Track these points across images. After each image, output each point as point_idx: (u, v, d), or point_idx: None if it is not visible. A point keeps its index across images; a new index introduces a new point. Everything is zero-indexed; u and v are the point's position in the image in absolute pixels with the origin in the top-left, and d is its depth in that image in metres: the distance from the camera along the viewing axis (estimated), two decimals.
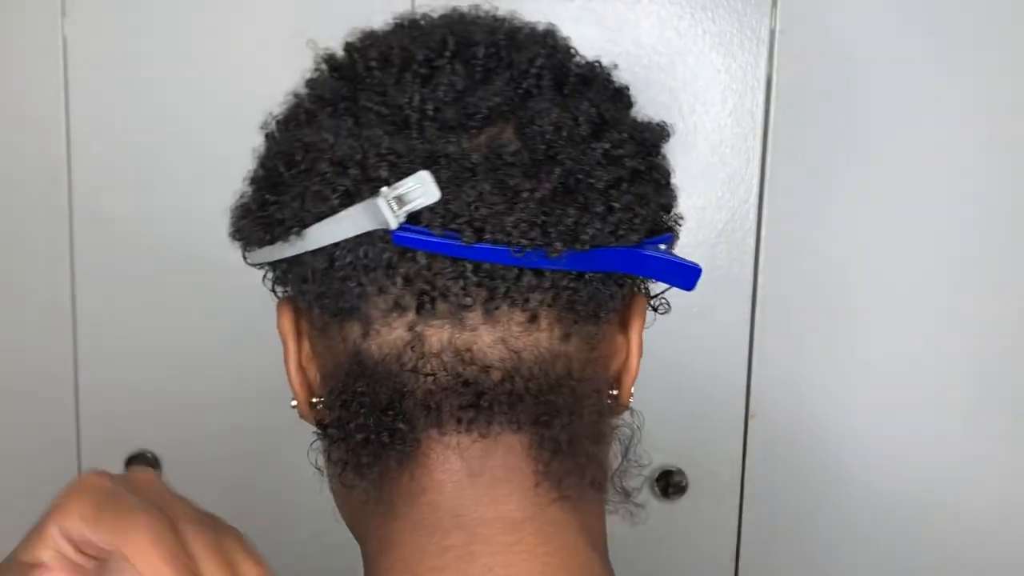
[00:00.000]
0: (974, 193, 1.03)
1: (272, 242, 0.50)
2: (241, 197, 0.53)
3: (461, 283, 0.47)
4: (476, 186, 0.46)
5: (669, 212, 0.53)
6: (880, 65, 1.02)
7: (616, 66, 0.56)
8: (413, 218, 0.46)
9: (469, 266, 0.47)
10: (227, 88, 1.09)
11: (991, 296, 1.04)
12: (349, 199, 0.47)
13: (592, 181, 0.48)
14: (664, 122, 0.56)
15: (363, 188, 0.47)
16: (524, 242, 0.46)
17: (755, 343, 1.08)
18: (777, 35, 1.02)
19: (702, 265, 0.51)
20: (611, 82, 0.55)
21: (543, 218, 0.47)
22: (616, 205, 0.48)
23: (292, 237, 0.49)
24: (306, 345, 0.53)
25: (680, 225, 0.55)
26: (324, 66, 0.54)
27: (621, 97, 0.55)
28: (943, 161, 1.03)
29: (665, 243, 0.52)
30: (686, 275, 0.51)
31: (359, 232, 0.47)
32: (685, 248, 0.52)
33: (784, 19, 1.02)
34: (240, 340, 1.07)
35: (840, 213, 1.05)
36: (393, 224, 0.46)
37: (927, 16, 1.01)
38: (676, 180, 0.54)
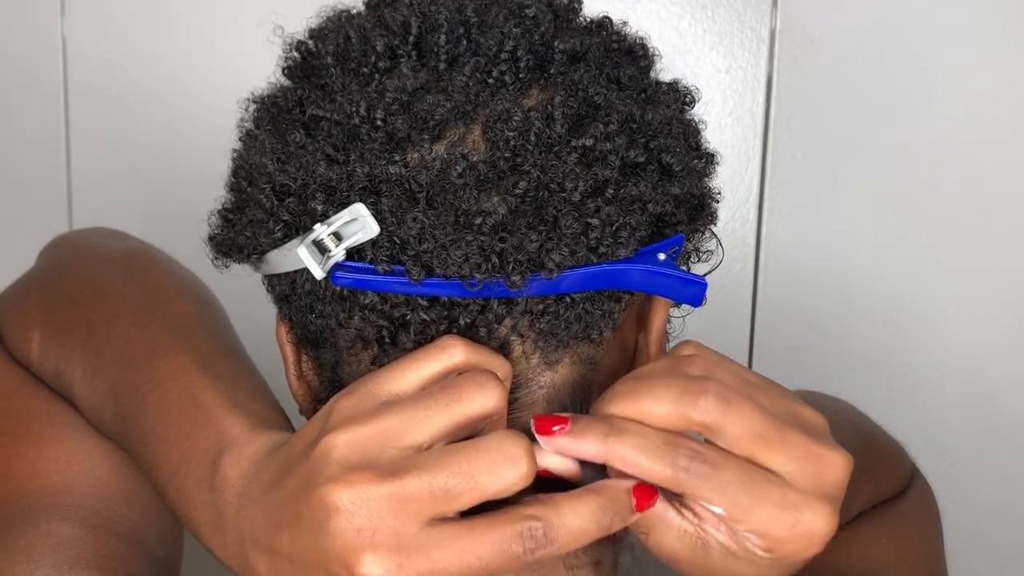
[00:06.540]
0: (975, 192, 1.03)
1: (240, 262, 0.48)
2: (221, 203, 0.50)
3: (419, 317, 0.43)
4: (418, 217, 0.41)
5: (682, 205, 0.46)
6: (880, 65, 1.02)
7: (626, 23, 0.49)
8: (360, 251, 0.42)
9: (423, 302, 0.42)
10: (228, 88, 1.08)
11: (993, 295, 1.04)
12: (291, 231, 0.44)
13: (564, 193, 0.42)
14: (688, 86, 0.48)
15: (303, 220, 0.43)
16: (478, 275, 0.41)
17: (755, 343, 1.07)
18: (777, 35, 1.02)
19: (702, 265, 0.48)
20: (619, 43, 0.49)
21: (499, 246, 0.41)
22: (593, 222, 0.42)
23: (254, 260, 0.46)
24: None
25: (717, 202, 0.48)
26: (285, 62, 0.49)
27: (633, 60, 0.49)
28: (943, 160, 1.03)
29: (674, 247, 0.45)
30: (689, 290, 0.44)
31: (303, 267, 0.43)
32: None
33: (784, 19, 1.02)
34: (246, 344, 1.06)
35: (840, 213, 1.05)
36: (319, 274, 0.42)
37: (927, 16, 1.01)
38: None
